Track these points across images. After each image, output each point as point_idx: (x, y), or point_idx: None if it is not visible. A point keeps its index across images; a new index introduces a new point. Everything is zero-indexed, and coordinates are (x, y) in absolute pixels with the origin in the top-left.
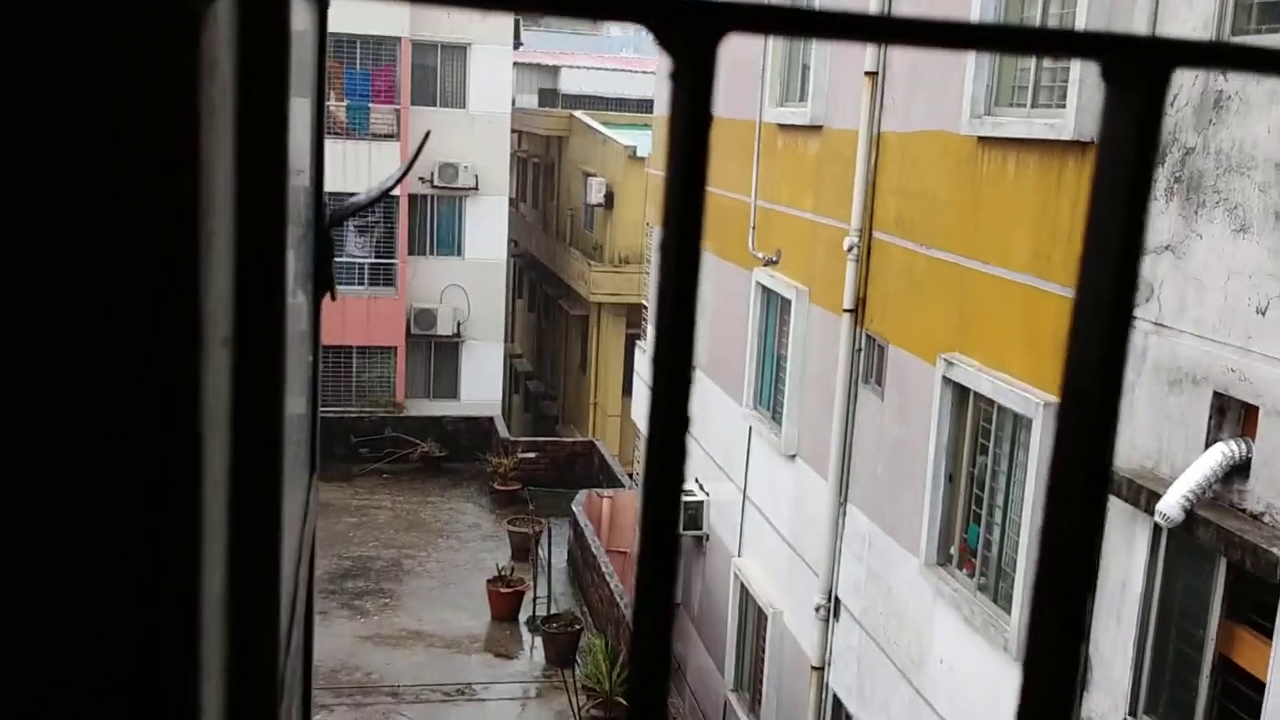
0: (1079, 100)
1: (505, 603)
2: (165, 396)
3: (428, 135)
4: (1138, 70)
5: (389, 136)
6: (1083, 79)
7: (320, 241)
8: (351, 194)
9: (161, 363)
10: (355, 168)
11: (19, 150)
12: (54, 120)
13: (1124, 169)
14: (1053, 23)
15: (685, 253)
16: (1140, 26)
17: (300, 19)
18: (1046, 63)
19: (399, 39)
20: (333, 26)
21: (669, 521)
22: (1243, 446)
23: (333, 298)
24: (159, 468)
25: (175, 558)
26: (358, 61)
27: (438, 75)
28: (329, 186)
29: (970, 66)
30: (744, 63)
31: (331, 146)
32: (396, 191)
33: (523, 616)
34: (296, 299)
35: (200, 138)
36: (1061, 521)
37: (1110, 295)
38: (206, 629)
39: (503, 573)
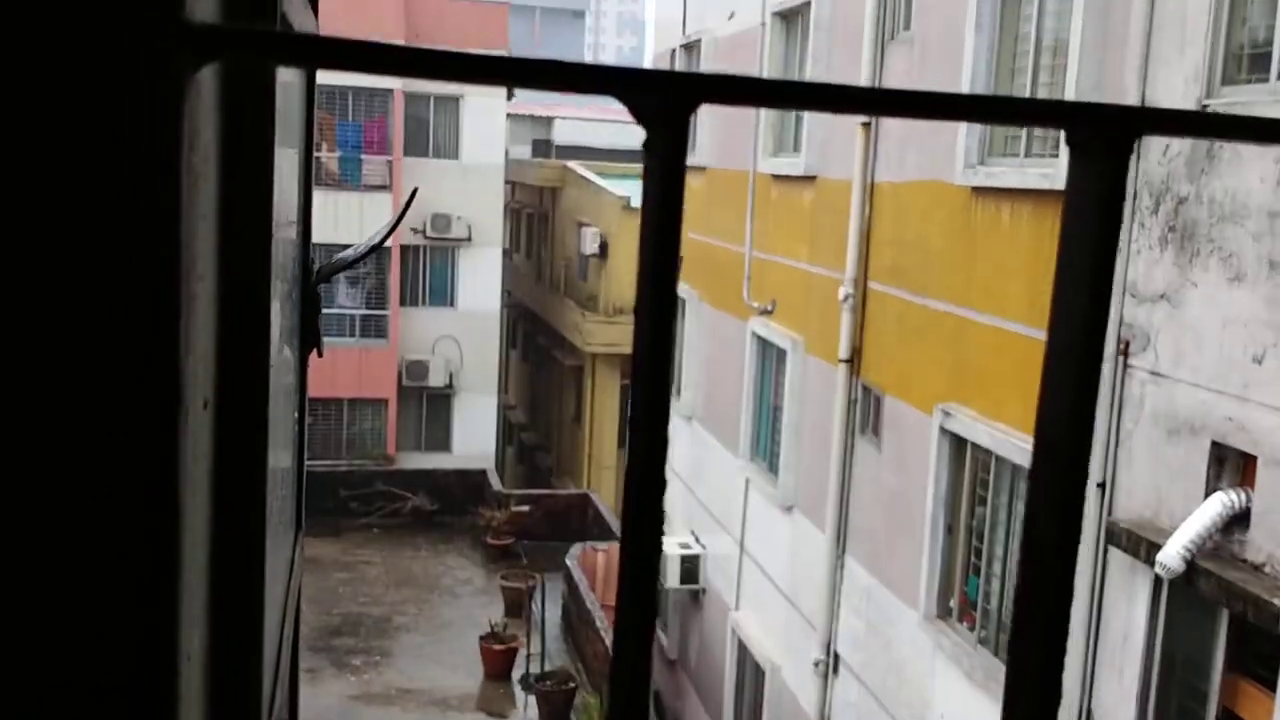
0: None
1: (498, 660)
2: (143, 459)
3: (414, 193)
4: (1101, 138)
5: (381, 187)
6: None
7: (307, 298)
8: (343, 245)
9: (140, 426)
10: (347, 219)
11: None
12: (37, 186)
13: (1089, 236)
14: (1044, 74)
15: (661, 311)
16: (1131, 77)
17: (286, 70)
18: None
19: (391, 91)
20: (325, 79)
21: (648, 579)
22: (1242, 496)
23: (319, 354)
24: (135, 524)
25: (150, 617)
26: (350, 113)
27: (430, 126)
28: (320, 238)
29: None
30: (737, 114)
31: (324, 197)
32: (388, 243)
33: (516, 674)
34: (283, 355)
35: (181, 205)
36: (1036, 571)
37: (1077, 360)
38: (186, 690)
39: (495, 629)
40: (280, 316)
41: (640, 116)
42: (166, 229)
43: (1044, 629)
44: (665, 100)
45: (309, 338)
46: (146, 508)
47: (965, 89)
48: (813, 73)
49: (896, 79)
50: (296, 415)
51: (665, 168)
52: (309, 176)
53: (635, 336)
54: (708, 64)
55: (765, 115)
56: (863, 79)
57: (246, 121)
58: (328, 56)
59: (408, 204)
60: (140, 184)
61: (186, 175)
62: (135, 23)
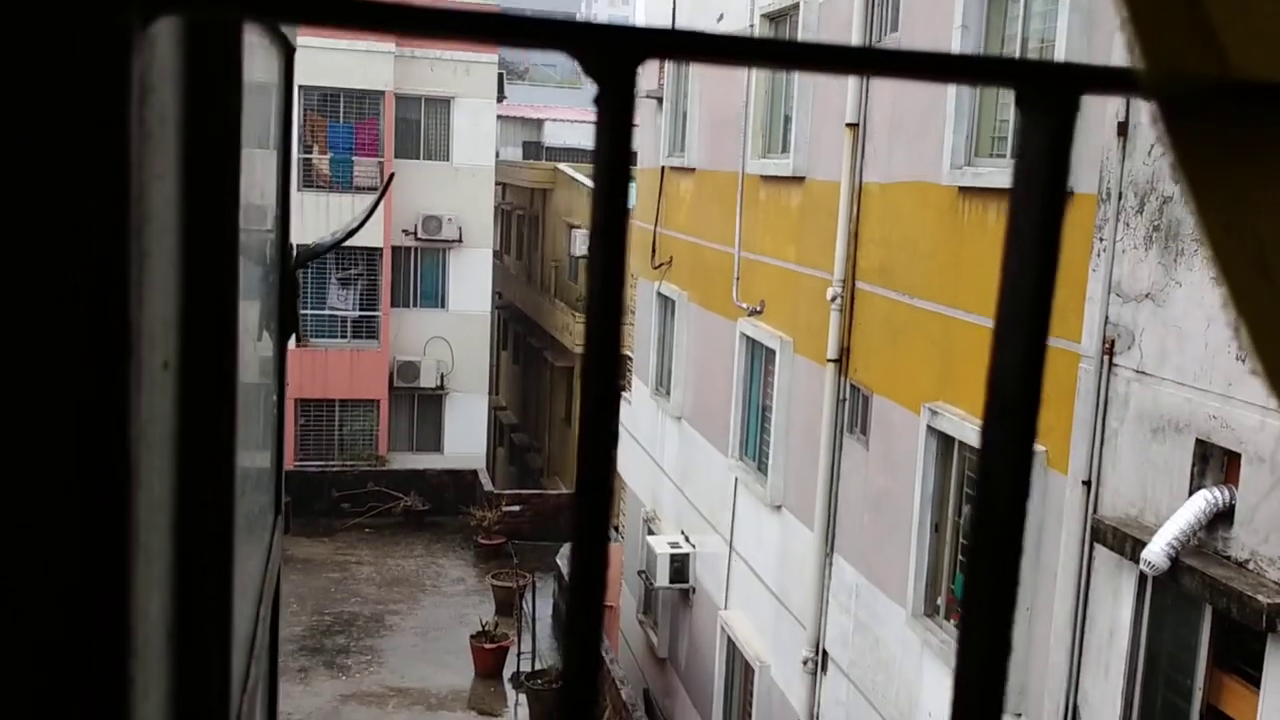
0: None
1: (489, 659)
2: (92, 411)
3: (391, 177)
4: (1047, 96)
5: (373, 189)
6: None
7: (286, 283)
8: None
9: (87, 377)
10: (339, 220)
11: None
12: None
13: (1038, 192)
14: (1034, 39)
15: (611, 268)
16: (1118, 43)
17: (264, 70)
18: None
19: (383, 93)
20: (316, 80)
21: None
22: (1226, 493)
23: (299, 341)
24: (85, 480)
25: (103, 578)
26: (341, 115)
27: (421, 128)
28: (311, 238)
29: (950, 117)
30: (727, 116)
31: (315, 199)
32: (380, 243)
33: (507, 673)
34: (262, 340)
35: (129, 157)
36: (988, 534)
37: (1028, 318)
38: (144, 649)
39: (486, 628)
40: (260, 302)
41: (590, 70)
42: (113, 179)
43: (995, 591)
44: (614, 53)
45: (288, 322)
46: (95, 459)
47: (951, 89)
48: (800, 75)
49: (885, 82)
50: (276, 399)
51: (614, 118)
52: (287, 168)
53: (588, 295)
54: (695, 66)
55: (754, 116)
56: (850, 82)
57: (213, 85)
58: (275, 11)
59: (385, 186)
60: (84, 132)
61: (137, 128)
62: None
